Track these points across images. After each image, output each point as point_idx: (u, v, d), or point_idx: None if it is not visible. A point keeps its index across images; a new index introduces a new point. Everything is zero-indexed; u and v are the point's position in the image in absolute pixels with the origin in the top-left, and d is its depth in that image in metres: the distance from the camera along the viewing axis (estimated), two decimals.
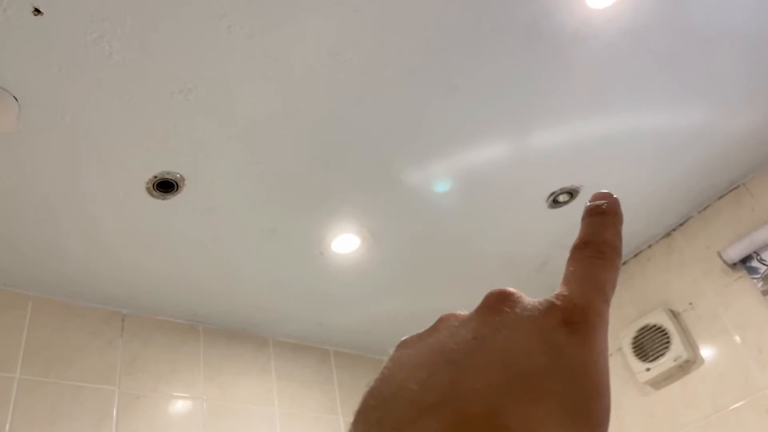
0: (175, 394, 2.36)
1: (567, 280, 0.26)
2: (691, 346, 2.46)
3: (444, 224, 2.36)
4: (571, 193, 2.34)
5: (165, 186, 1.92)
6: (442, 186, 2.14)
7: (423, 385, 0.23)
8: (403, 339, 0.28)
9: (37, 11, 1.41)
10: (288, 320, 2.71)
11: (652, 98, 2.04)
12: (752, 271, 2.36)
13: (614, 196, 0.30)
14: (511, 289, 0.26)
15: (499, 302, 0.26)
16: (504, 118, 1.97)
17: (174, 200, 1.98)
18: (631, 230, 2.63)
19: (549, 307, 0.25)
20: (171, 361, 2.42)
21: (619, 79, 1.93)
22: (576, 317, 0.24)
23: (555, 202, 2.37)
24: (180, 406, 2.36)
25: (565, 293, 0.25)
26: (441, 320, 0.27)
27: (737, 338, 2.35)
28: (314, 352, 2.89)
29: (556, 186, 2.30)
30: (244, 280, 2.43)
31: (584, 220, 0.29)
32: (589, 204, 0.30)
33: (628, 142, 2.18)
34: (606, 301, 0.26)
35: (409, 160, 2.05)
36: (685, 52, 1.90)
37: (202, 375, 2.47)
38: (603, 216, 0.29)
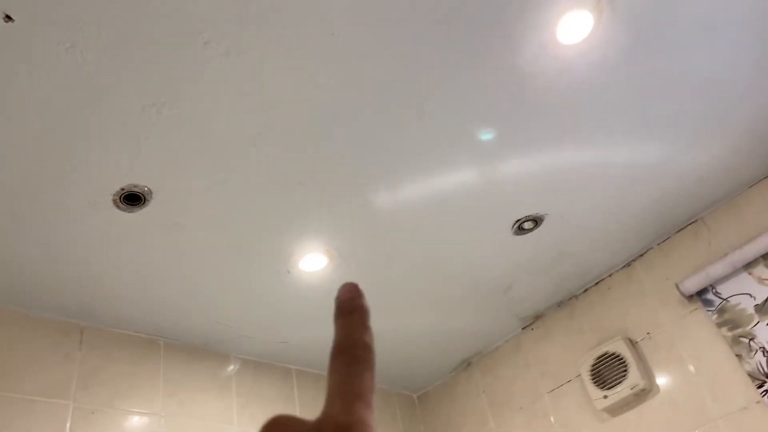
0: (132, 409, 2.31)
1: (330, 393, 0.28)
2: (648, 374, 2.52)
3: (411, 246, 2.38)
4: (536, 221, 2.39)
5: (132, 198, 1.90)
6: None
7: None
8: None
9: (8, 18, 1.39)
10: (251, 338, 2.69)
11: (618, 132, 2.10)
12: (707, 303, 2.42)
13: (358, 288, 0.31)
14: (284, 415, 0.27)
15: (272, 429, 0.27)
16: (473, 146, 2.01)
17: (141, 213, 1.96)
18: (593, 259, 2.69)
19: (318, 430, 0.26)
20: (130, 376, 2.37)
21: (587, 112, 1.99)
22: None
23: (520, 229, 2.41)
24: (136, 422, 2.31)
25: (330, 413, 0.26)
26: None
27: (692, 368, 2.41)
28: (276, 371, 2.87)
29: (521, 213, 2.34)
30: (210, 296, 2.40)
31: (336, 321, 0.31)
32: (336, 303, 0.31)
33: (593, 173, 2.24)
34: (368, 407, 0.27)
35: (378, 182, 2.07)
36: (650, 89, 1.97)
37: (161, 391, 2.42)
38: (351, 315, 0.31)
